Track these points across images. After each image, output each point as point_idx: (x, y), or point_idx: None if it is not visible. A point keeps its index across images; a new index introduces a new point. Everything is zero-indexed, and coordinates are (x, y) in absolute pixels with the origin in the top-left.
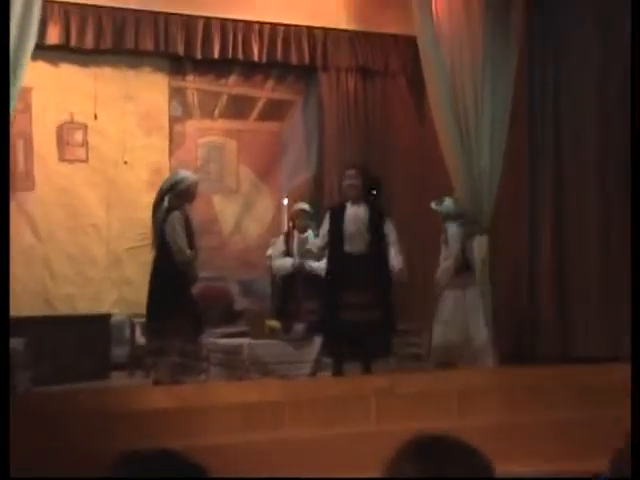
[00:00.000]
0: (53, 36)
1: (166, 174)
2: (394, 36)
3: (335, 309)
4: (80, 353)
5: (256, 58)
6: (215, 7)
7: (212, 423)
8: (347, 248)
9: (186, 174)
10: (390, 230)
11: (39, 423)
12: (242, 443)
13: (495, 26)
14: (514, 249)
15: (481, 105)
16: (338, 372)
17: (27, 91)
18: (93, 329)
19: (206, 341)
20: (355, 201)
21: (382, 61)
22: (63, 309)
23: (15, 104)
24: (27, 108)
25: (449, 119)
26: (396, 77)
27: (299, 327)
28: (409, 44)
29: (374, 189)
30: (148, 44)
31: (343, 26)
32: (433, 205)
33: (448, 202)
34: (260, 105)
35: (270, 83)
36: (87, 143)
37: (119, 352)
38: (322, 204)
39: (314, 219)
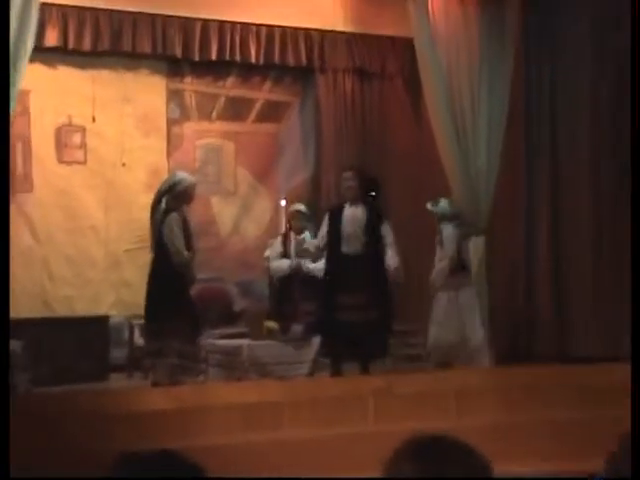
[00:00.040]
0: (51, 38)
1: (164, 176)
2: (391, 38)
3: (332, 310)
4: (79, 355)
5: (253, 60)
6: (212, 9)
7: (211, 424)
8: (344, 249)
9: (184, 176)
10: (387, 231)
11: (38, 424)
12: (241, 443)
13: (491, 27)
14: (511, 249)
15: (478, 105)
16: (336, 372)
17: (25, 94)
18: (92, 331)
19: (205, 342)
20: (353, 202)
21: (379, 63)
22: (61, 311)
23: (15, 105)
24: (25, 111)
25: (446, 120)
26: (393, 79)
27: (297, 328)
28: (406, 46)
29: (372, 190)
30: (146, 46)
31: (340, 28)
32: (429, 206)
33: (443, 203)
34: (258, 107)
35: (267, 85)
36: (85, 145)
37: (118, 354)
38: (319, 205)
39: (311, 220)
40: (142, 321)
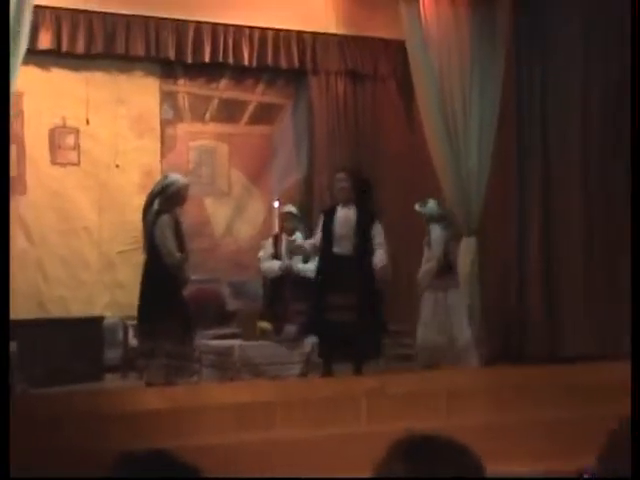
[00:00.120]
0: (45, 41)
1: (158, 177)
2: (383, 40)
3: (323, 310)
4: (73, 355)
5: (246, 62)
6: (206, 12)
7: (204, 424)
8: (336, 250)
9: (176, 177)
10: (378, 232)
11: (33, 425)
12: (234, 443)
13: (482, 28)
14: (503, 250)
15: (469, 108)
16: (327, 373)
17: (19, 95)
18: (86, 331)
19: (198, 343)
20: (345, 204)
21: (371, 65)
22: (56, 312)
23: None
24: (19, 112)
25: (438, 122)
26: (385, 81)
27: (290, 328)
28: (398, 48)
29: (364, 191)
30: (139, 49)
31: (332, 30)
32: (417, 207)
33: (432, 204)
34: (251, 109)
35: (260, 87)
36: (79, 147)
37: (112, 354)
38: (312, 206)
39: (302, 221)
40: (136, 322)
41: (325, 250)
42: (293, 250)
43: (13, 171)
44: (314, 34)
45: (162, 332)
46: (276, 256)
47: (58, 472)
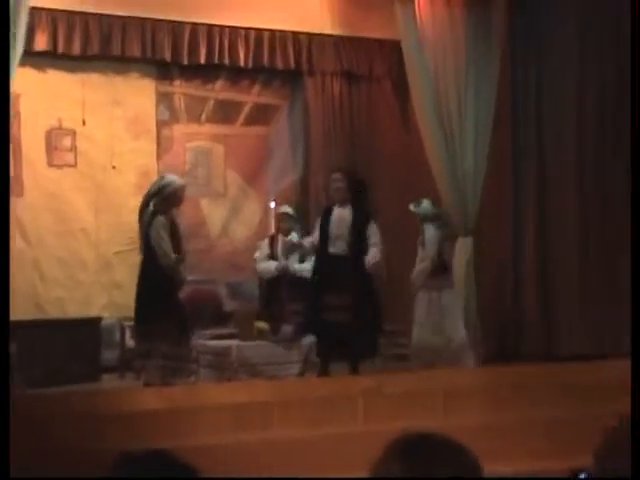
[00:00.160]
0: (41, 43)
1: (154, 178)
2: (379, 41)
3: (319, 310)
4: (71, 356)
5: (242, 63)
6: (201, 13)
7: (202, 424)
8: (331, 250)
9: (172, 178)
10: (373, 232)
11: (31, 425)
12: (232, 443)
13: (477, 29)
14: (498, 250)
15: (465, 109)
16: (324, 373)
17: (15, 97)
18: (84, 332)
19: (195, 343)
20: (341, 204)
21: (367, 65)
22: (53, 313)
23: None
24: (16, 114)
25: (433, 123)
26: (381, 81)
27: (287, 328)
28: (393, 48)
29: (360, 190)
30: (135, 50)
31: (328, 31)
32: (411, 207)
33: (426, 204)
34: (247, 110)
35: (256, 88)
36: (75, 148)
37: (109, 355)
38: (308, 207)
39: (298, 222)
40: (133, 323)
41: (321, 250)
42: (291, 248)
43: (10, 172)
44: (310, 35)
45: (158, 333)
46: (272, 257)
47: (56, 472)
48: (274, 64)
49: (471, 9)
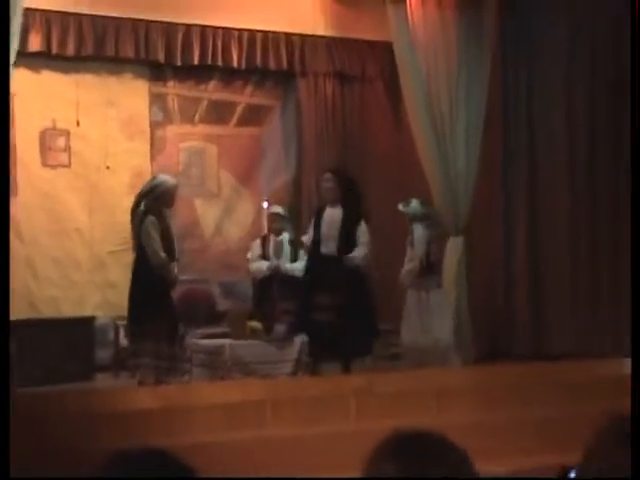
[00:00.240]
0: (35, 44)
1: (148, 178)
2: (371, 42)
3: (310, 310)
4: (65, 355)
5: (235, 64)
6: (194, 14)
7: (196, 422)
8: (323, 250)
9: (164, 178)
10: (362, 232)
11: (24, 424)
12: (225, 441)
13: (469, 32)
14: (490, 250)
15: (456, 110)
16: (314, 372)
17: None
18: (78, 331)
19: (189, 342)
20: (332, 204)
21: (359, 66)
22: (47, 312)
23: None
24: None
25: (425, 124)
26: (373, 82)
27: (280, 328)
28: (386, 49)
29: (350, 190)
30: (129, 51)
31: (320, 32)
32: (400, 206)
33: (415, 203)
34: (240, 110)
35: (249, 89)
36: (70, 148)
37: (103, 354)
38: (301, 207)
39: (290, 222)
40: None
41: (312, 250)
42: (294, 246)
43: None
44: (302, 36)
45: (151, 333)
46: (264, 257)
47: (50, 470)
48: (267, 65)
49: (463, 11)
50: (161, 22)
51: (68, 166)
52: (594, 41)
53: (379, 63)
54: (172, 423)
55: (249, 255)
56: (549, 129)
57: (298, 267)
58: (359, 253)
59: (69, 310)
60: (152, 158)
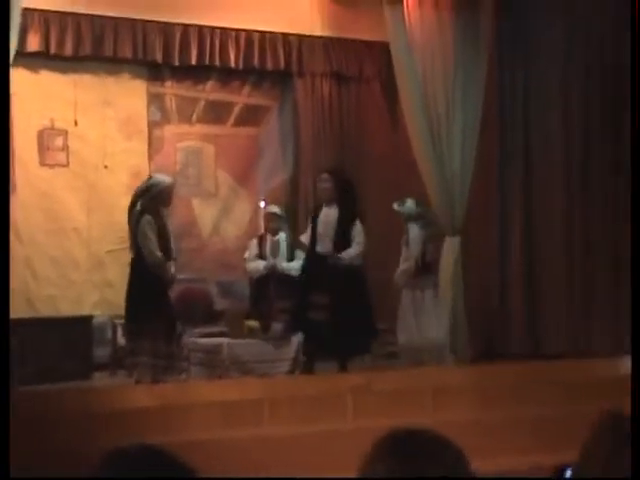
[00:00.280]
0: (33, 43)
1: (146, 178)
2: (368, 42)
3: (306, 309)
4: (63, 354)
5: (233, 64)
6: (192, 14)
7: (193, 421)
8: (318, 249)
9: (161, 178)
10: (357, 232)
11: (22, 422)
12: (223, 440)
13: (465, 33)
14: (485, 251)
15: (452, 112)
16: (308, 371)
17: None
18: (76, 330)
19: (186, 341)
20: (328, 203)
21: (356, 67)
22: (45, 311)
23: None
24: None
25: (421, 125)
26: (370, 82)
27: (277, 326)
28: (383, 50)
29: (347, 190)
30: (127, 51)
31: (318, 33)
32: (395, 206)
33: (410, 203)
34: (237, 110)
35: (247, 89)
36: (68, 148)
37: (101, 353)
38: (298, 207)
39: (286, 222)
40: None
41: (309, 249)
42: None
43: None
44: (300, 36)
45: (148, 332)
46: (261, 256)
47: (46, 469)
48: (264, 65)
49: (459, 12)
50: (159, 22)
51: (66, 166)
52: (590, 42)
53: (376, 64)
54: (169, 421)
55: (246, 254)
56: (545, 130)
57: (295, 266)
58: (352, 252)
59: (67, 309)
60: (150, 158)
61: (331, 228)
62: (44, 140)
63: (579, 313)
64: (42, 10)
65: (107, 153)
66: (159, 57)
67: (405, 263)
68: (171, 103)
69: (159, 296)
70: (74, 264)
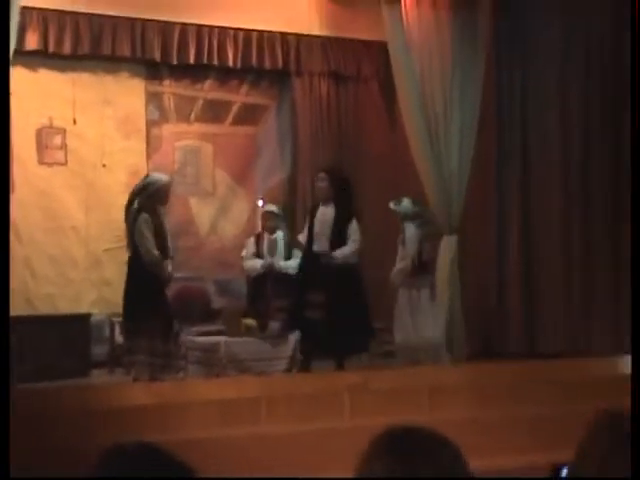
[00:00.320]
0: (32, 42)
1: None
2: (366, 42)
3: (302, 307)
4: (61, 352)
5: (231, 63)
6: (191, 13)
7: (190, 419)
8: (315, 248)
9: (157, 176)
10: (353, 230)
11: (20, 420)
12: (220, 438)
13: (463, 32)
14: (483, 250)
15: (450, 111)
16: (305, 369)
17: None
18: (74, 328)
19: (184, 339)
20: (325, 202)
21: (354, 66)
22: (44, 309)
23: None
24: None
25: (419, 124)
26: (368, 82)
27: (274, 325)
28: (381, 49)
29: (344, 189)
30: (125, 50)
31: (316, 32)
32: (391, 205)
33: (406, 202)
34: (235, 109)
35: (245, 88)
36: (66, 146)
37: (99, 350)
38: (296, 206)
39: (284, 220)
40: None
41: (306, 248)
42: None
43: None
44: (298, 36)
45: (146, 330)
46: (258, 255)
47: (44, 467)
48: (262, 64)
49: (457, 12)
50: (157, 21)
51: (64, 164)
52: (588, 42)
53: (374, 63)
54: (167, 419)
55: (244, 253)
56: (543, 129)
57: (292, 265)
58: (347, 250)
59: (65, 307)
60: (148, 157)
61: (328, 227)
62: (43, 139)
63: (576, 313)
64: (41, 9)
65: (105, 152)
66: (157, 56)
67: (402, 262)
68: (169, 102)
69: (156, 294)
70: (72, 262)
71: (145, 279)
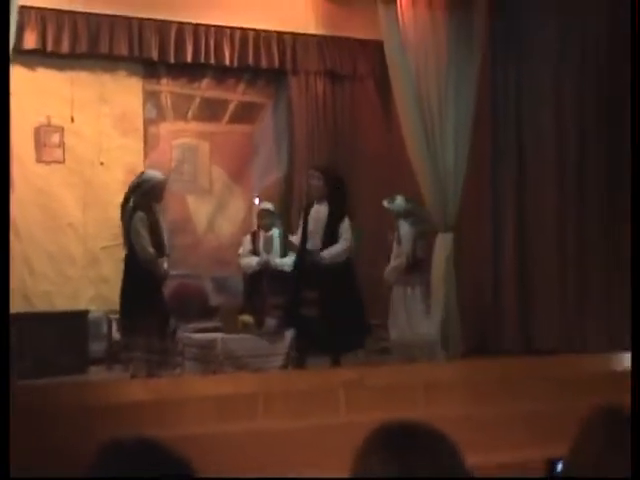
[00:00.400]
0: (30, 41)
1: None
2: (362, 41)
3: (298, 304)
4: (59, 349)
5: (228, 62)
6: (188, 12)
7: (187, 415)
8: (308, 246)
9: (153, 174)
10: (345, 229)
11: (17, 416)
12: (217, 433)
13: (459, 32)
14: (478, 248)
15: (445, 110)
16: (300, 366)
17: None
18: (72, 325)
19: (181, 336)
20: (318, 201)
21: (350, 65)
22: (41, 306)
23: None
24: None
25: (415, 122)
26: (364, 80)
27: (271, 322)
28: (377, 48)
29: (338, 187)
30: (123, 49)
31: (312, 31)
32: (385, 203)
33: (400, 200)
34: (232, 108)
35: (241, 86)
36: (64, 145)
37: (97, 347)
38: (292, 204)
39: (279, 218)
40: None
41: (300, 246)
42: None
43: None
44: (294, 35)
45: (143, 327)
46: (254, 252)
47: (43, 464)
48: (259, 63)
49: (453, 12)
50: (155, 20)
51: (62, 162)
52: (584, 42)
53: (370, 62)
54: (164, 415)
55: (240, 250)
56: (538, 128)
57: (287, 262)
58: (338, 248)
59: (63, 304)
60: (145, 155)
61: (321, 225)
62: (41, 137)
63: (572, 310)
64: (39, 8)
65: (103, 150)
66: (155, 55)
67: (396, 260)
68: (166, 100)
69: (152, 292)
70: (70, 260)
71: (141, 277)
